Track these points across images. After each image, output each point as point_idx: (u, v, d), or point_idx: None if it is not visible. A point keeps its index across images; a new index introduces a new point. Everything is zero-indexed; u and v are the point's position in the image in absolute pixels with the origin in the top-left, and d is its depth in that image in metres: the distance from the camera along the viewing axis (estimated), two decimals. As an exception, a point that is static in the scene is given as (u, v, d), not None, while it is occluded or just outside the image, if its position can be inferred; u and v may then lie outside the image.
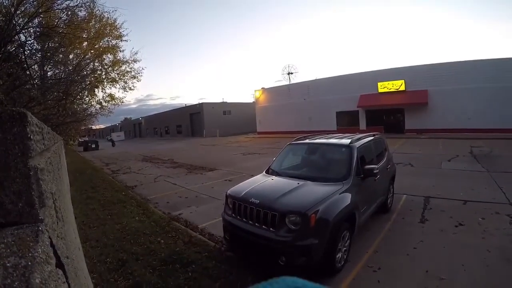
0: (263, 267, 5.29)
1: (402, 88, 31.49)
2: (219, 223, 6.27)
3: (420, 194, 9.86)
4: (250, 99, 55.80)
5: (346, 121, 35.23)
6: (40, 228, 0.87)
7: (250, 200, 5.26)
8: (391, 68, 32.74)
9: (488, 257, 5.84)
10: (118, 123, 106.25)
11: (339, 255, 5.20)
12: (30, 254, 0.77)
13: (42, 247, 0.82)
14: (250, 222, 5.18)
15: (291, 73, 54.42)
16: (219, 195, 9.97)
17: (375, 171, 6.21)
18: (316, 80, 39.31)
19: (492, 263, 5.61)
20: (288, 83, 48.78)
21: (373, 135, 8.23)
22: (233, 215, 5.59)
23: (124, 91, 20.55)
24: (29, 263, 0.75)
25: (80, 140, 47.84)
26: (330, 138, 7.87)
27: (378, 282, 5.03)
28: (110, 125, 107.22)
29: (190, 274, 5.21)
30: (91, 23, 16.30)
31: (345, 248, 5.40)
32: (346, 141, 6.93)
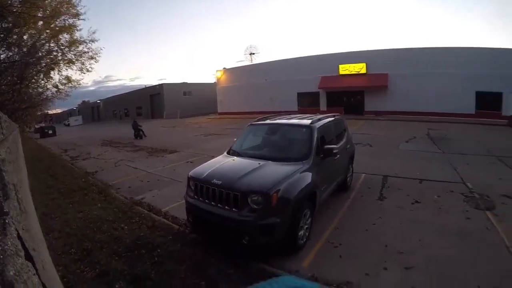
0: (227, 247, 5.38)
1: (363, 71, 32.22)
2: (182, 205, 6.24)
3: (379, 173, 10.28)
4: (212, 80, 54.72)
5: (307, 102, 35.56)
6: (6, 221, 0.84)
7: (212, 181, 5.26)
8: (353, 51, 33.37)
9: (444, 232, 6.26)
10: (76, 107, 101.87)
11: (301, 232, 5.35)
12: (0, 248, 0.75)
13: (11, 240, 0.80)
14: (212, 203, 5.20)
15: (253, 54, 54.06)
16: (181, 177, 9.89)
17: (334, 151, 6.37)
18: (278, 61, 39.14)
19: (447, 238, 6.02)
20: (250, 63, 48.47)
21: (333, 116, 8.44)
22: (195, 197, 5.57)
23: (82, 72, 19.86)
24: (1, 256, 0.73)
25: (36, 126, 45.89)
26: (291, 118, 7.97)
27: (340, 257, 5.25)
28: (68, 109, 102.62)
29: (156, 258, 5.19)
30: (47, 1, 15.40)
31: (306, 226, 5.56)
32: (306, 121, 7.05)
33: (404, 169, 10.88)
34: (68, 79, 19.84)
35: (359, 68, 32.24)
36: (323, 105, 34.48)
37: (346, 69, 32.82)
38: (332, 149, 6.38)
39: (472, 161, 12.23)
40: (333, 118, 8.17)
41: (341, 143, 8.11)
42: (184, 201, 6.03)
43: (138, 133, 24.80)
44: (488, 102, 28.26)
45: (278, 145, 6.97)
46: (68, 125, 62.38)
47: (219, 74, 46.00)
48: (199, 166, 6.31)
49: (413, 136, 18.45)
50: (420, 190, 8.84)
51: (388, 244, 5.71)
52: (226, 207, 5.02)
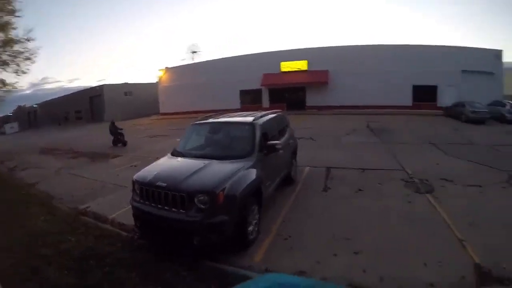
0: (178, 250, 5.40)
1: (305, 68, 33.59)
2: (129, 211, 6.13)
3: (322, 165, 10.74)
4: (154, 80, 52.88)
5: (250, 100, 35.94)
6: None
7: (157, 184, 5.21)
8: (294, 49, 34.50)
9: (387, 216, 6.78)
10: (11, 113, 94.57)
11: (251, 228, 5.53)
12: None
13: None
14: (159, 206, 5.16)
15: (195, 52, 53.35)
16: (126, 182, 9.65)
17: (277, 147, 6.60)
18: (220, 59, 39.13)
19: (390, 222, 6.53)
20: (193, 62, 47.85)
21: (275, 112, 8.76)
22: (141, 201, 5.50)
23: (17, 75, 18.54)
24: None
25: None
26: (234, 116, 8.08)
27: (290, 249, 5.48)
28: (2, 115, 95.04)
29: (106, 268, 5.07)
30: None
31: (255, 221, 5.74)
32: (249, 119, 7.19)
33: (346, 160, 11.52)
34: (2, 82, 18.52)
35: (301, 65, 33.39)
36: (265, 102, 35.11)
37: (287, 66, 33.78)
38: (275, 144, 6.58)
39: (411, 149, 13.17)
40: (275, 115, 8.45)
41: (284, 138, 8.35)
42: (130, 206, 5.93)
43: (118, 139, 20.36)
44: (424, 94, 31.76)
45: (221, 144, 7.04)
46: (4, 133, 58.52)
47: (161, 74, 44.87)
48: (143, 169, 6.23)
49: (354, 128, 19.46)
50: (363, 179, 9.44)
51: (335, 232, 6.02)
52: (173, 209, 5.01)
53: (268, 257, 5.24)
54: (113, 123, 20.85)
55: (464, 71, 31.18)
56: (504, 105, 24.89)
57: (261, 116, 7.56)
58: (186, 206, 4.91)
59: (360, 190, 8.39)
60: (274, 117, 8.26)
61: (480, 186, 8.75)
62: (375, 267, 4.90)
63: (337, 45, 34.25)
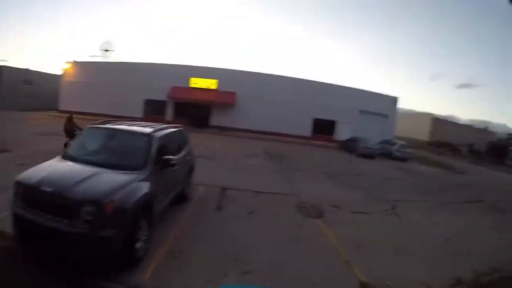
0: (61, 262, 4.80)
1: (214, 87, 33.68)
2: (9, 217, 5.49)
3: (218, 185, 10.65)
4: (59, 72, 46.26)
5: (154, 110, 34.50)
6: None
7: (42, 189, 4.63)
8: (206, 67, 34.70)
9: (278, 238, 7.00)
10: None
11: (140, 244, 5.15)
12: None
13: None
14: (42, 213, 4.56)
15: (108, 51, 50.00)
16: (7, 182, 8.74)
17: (173, 162, 6.39)
18: (129, 62, 36.90)
19: (280, 244, 6.76)
20: (104, 60, 44.37)
21: (176, 127, 8.47)
22: (23, 206, 4.79)
23: None
24: None
25: None
26: (133, 125, 7.62)
27: (180, 268, 5.26)
28: None
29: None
30: None
31: (145, 237, 5.37)
32: (147, 130, 6.85)
33: (242, 182, 11.64)
34: None
35: (210, 83, 33.38)
36: (169, 115, 34.14)
37: (197, 82, 33.43)
38: (170, 159, 6.36)
39: (306, 177, 13.77)
40: (175, 129, 8.19)
41: (181, 154, 8.13)
42: (11, 212, 5.08)
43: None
44: (323, 127, 35.09)
45: (116, 152, 6.57)
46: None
47: (67, 67, 40.31)
48: (28, 171, 5.40)
49: (254, 152, 19.92)
50: (256, 200, 9.67)
51: (226, 252, 6.00)
52: (57, 218, 4.45)
53: (157, 276, 4.97)
54: (70, 119, 15.27)
55: (362, 111, 35.70)
56: (394, 144, 29.54)
57: (161, 129, 7.28)
58: (72, 216, 4.40)
59: (253, 211, 8.54)
60: (174, 132, 8.01)
61: (366, 213, 9.85)
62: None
63: (247, 70, 35.42)
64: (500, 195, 17.03)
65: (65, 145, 13.78)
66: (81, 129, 13.72)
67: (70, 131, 14.47)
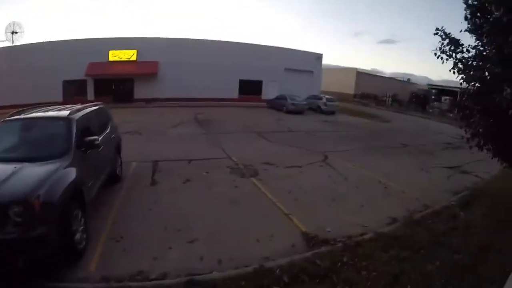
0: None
1: (134, 58, 31.41)
2: None
3: (149, 159, 10.31)
4: None
5: (74, 91, 31.57)
6: None
7: None
8: (124, 37, 32.05)
9: (217, 202, 7.09)
10: None
11: (78, 236, 4.81)
12: None
13: None
14: None
15: (16, 33, 45.59)
16: None
17: (96, 142, 5.99)
18: (43, 43, 33.84)
19: (219, 207, 6.85)
20: (12, 44, 40.46)
21: (95, 105, 7.97)
22: None
23: None
24: None
25: None
26: (49, 111, 6.97)
27: (124, 251, 5.05)
28: None
29: None
30: None
31: (82, 227, 5.02)
32: (64, 113, 6.33)
33: (173, 152, 11.42)
34: None
35: (130, 55, 31.33)
36: (90, 94, 31.48)
37: (116, 55, 31.27)
38: (94, 140, 5.95)
39: (237, 139, 13.87)
40: (95, 108, 7.69)
41: (105, 133, 7.67)
42: None
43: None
44: (250, 88, 34.94)
45: (35, 143, 5.98)
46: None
47: None
48: None
49: (182, 121, 19.47)
50: (190, 169, 9.55)
51: (167, 225, 5.90)
52: None
53: (103, 264, 4.73)
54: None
55: (287, 69, 36.06)
56: (320, 98, 30.54)
57: (79, 110, 6.74)
58: (1, 221, 3.95)
59: (188, 180, 8.43)
60: (94, 111, 7.50)
61: (300, 167, 10.27)
62: (211, 252, 5.03)
63: (168, 36, 33.79)
64: (424, 139, 18.54)
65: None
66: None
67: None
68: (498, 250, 5.38)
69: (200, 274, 4.37)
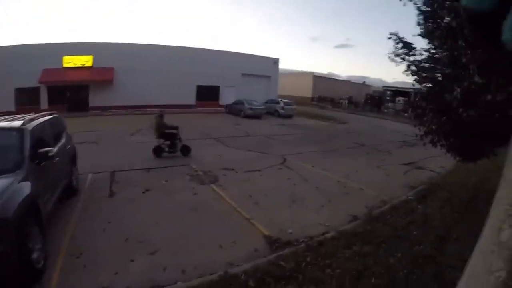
0: None
1: (89, 64, 30.20)
2: None
3: (106, 170, 9.97)
4: None
5: (27, 100, 30.30)
6: None
7: None
8: (79, 42, 30.41)
9: (176, 212, 6.98)
10: None
11: (36, 254, 4.53)
12: None
13: None
14: None
15: None
16: None
17: (50, 154, 5.70)
18: None
19: (180, 216, 6.77)
20: None
21: (50, 114, 7.59)
22: None
23: None
24: None
25: None
26: (0, 121, 6.64)
27: (85, 267, 4.86)
28: None
29: None
30: None
31: (39, 245, 4.73)
32: (16, 123, 5.97)
33: (131, 161, 11.12)
34: None
35: (85, 60, 30.22)
36: (44, 103, 30.31)
37: (71, 61, 30.00)
38: (48, 152, 5.65)
39: (195, 145, 13.60)
40: (49, 117, 7.33)
41: (60, 144, 7.39)
42: None
43: (174, 143, 12.14)
44: (207, 94, 34.76)
45: None
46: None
47: None
48: None
49: (138, 128, 19.01)
50: (149, 178, 9.36)
51: (128, 237, 5.75)
52: None
53: (63, 283, 4.51)
54: (161, 116, 12.58)
55: (244, 74, 36.38)
56: (278, 102, 31.15)
57: (32, 120, 6.39)
58: None
59: (147, 190, 8.26)
60: (48, 120, 7.14)
61: (259, 171, 10.41)
62: (174, 262, 4.97)
63: (124, 42, 33.02)
64: (380, 138, 19.27)
65: (156, 150, 12.05)
66: (176, 128, 12.32)
67: (162, 131, 12.20)
68: (456, 239, 5.76)
69: (164, 286, 4.33)
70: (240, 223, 6.51)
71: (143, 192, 8.07)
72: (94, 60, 30.00)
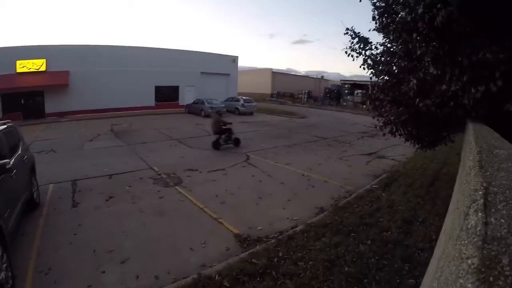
0: None
1: (43, 68, 28.56)
2: None
3: (67, 179, 9.62)
4: None
5: None
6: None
7: None
8: (32, 45, 28.50)
9: (142, 217, 6.88)
10: None
11: (2, 275, 4.29)
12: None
13: None
14: None
15: None
16: None
17: (8, 167, 5.39)
18: None
19: (147, 221, 6.69)
20: None
21: (4, 124, 7.14)
22: None
23: None
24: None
25: None
26: None
27: (55, 283, 4.70)
28: None
29: None
30: None
31: (5, 265, 4.49)
32: None
33: (92, 168, 10.80)
34: None
35: (39, 64, 28.74)
36: None
37: (24, 66, 28.44)
38: (4, 164, 5.33)
39: (156, 148, 13.69)
40: (3, 127, 6.84)
41: (17, 155, 6.94)
42: None
43: (228, 136, 14.27)
44: (166, 94, 34.32)
45: None
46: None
47: None
48: None
49: (97, 133, 18.59)
50: (112, 185, 9.14)
51: (96, 248, 5.61)
52: None
53: None
54: (219, 114, 14.97)
55: (203, 73, 36.22)
56: (238, 100, 31.25)
57: None
58: None
59: (111, 197, 8.09)
60: (2, 131, 6.67)
61: (223, 169, 10.48)
62: (146, 269, 4.94)
63: (79, 43, 31.71)
64: (341, 130, 19.81)
65: (215, 143, 13.93)
66: (229, 123, 14.49)
67: (218, 128, 14.06)
68: (421, 221, 6.12)
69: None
70: (209, 224, 6.53)
71: (107, 200, 7.87)
72: (48, 64, 28.46)
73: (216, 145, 13.74)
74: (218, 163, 11.12)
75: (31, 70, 27.89)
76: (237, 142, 14.35)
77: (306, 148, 14.35)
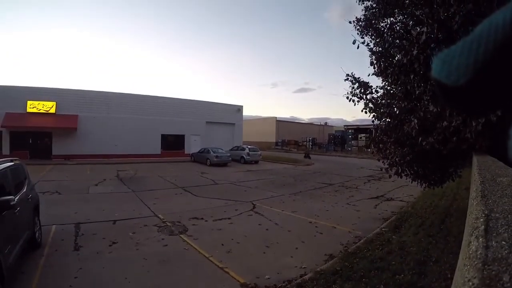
0: None
1: (53, 110, 29.26)
2: None
3: (71, 221, 9.51)
4: None
5: None
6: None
7: None
8: (43, 87, 29.63)
9: (146, 265, 6.59)
10: None
11: None
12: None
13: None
14: None
15: None
16: None
17: (12, 203, 5.32)
18: None
19: (151, 269, 6.40)
20: None
21: (11, 161, 7.16)
22: None
23: None
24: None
25: None
26: None
27: None
28: None
29: None
30: None
31: None
32: None
33: (96, 213, 10.68)
34: None
35: (49, 106, 29.23)
36: (6, 148, 28.69)
37: (34, 106, 28.79)
38: (8, 201, 5.26)
39: (161, 195, 13.48)
40: (10, 164, 6.85)
41: (22, 192, 6.86)
42: None
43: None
44: (172, 143, 35.05)
45: None
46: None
47: None
48: None
49: (103, 178, 18.66)
50: (115, 231, 8.94)
51: None
52: None
53: None
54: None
55: (208, 122, 37.26)
56: (243, 149, 31.77)
57: None
58: None
59: (114, 243, 7.88)
60: (10, 167, 6.66)
61: (229, 218, 10.26)
62: None
63: (89, 89, 32.38)
64: (347, 175, 19.75)
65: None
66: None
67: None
68: (435, 261, 5.89)
69: None
70: (214, 273, 6.27)
71: (110, 245, 7.65)
72: (58, 106, 29.30)
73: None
74: (223, 212, 10.93)
75: (41, 111, 28.46)
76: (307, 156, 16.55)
77: (312, 195, 14.17)
